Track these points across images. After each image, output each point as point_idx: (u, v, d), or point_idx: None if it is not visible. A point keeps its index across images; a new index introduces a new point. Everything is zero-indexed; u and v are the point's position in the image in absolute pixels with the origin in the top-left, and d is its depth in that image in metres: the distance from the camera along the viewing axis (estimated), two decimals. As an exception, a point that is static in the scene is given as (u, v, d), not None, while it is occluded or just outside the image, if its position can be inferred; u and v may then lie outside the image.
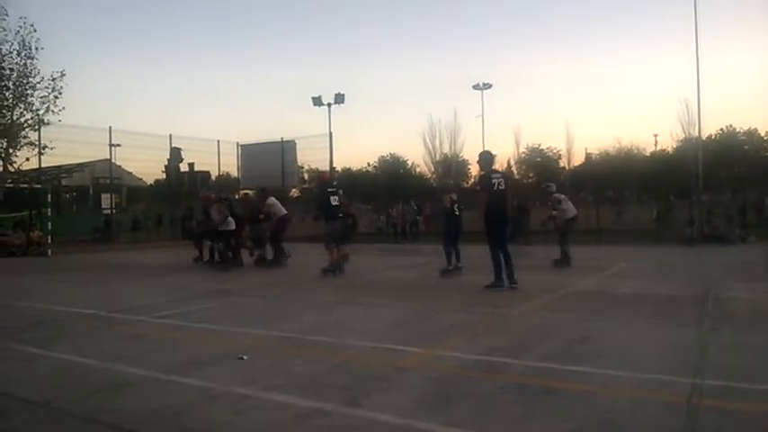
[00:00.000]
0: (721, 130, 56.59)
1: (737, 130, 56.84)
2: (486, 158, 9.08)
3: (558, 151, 68.69)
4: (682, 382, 4.04)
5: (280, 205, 13.37)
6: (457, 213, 10.79)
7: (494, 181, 8.68)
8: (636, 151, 64.30)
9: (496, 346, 5.20)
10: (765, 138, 54.90)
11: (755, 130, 54.77)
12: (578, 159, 63.54)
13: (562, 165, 68.42)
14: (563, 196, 11.81)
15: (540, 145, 70.01)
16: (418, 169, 68.47)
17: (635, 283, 9.27)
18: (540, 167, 66.86)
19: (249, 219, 13.23)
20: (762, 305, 7.30)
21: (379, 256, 16.75)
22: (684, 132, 41.70)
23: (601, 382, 4.13)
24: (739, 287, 8.77)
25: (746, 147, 55.19)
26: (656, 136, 63.19)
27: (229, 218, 12.50)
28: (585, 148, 64.61)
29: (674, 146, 51.41)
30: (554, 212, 11.66)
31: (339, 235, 11.21)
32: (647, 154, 63.57)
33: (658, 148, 62.24)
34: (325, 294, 8.92)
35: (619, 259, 12.85)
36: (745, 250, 16.07)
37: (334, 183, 12.03)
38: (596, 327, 6.06)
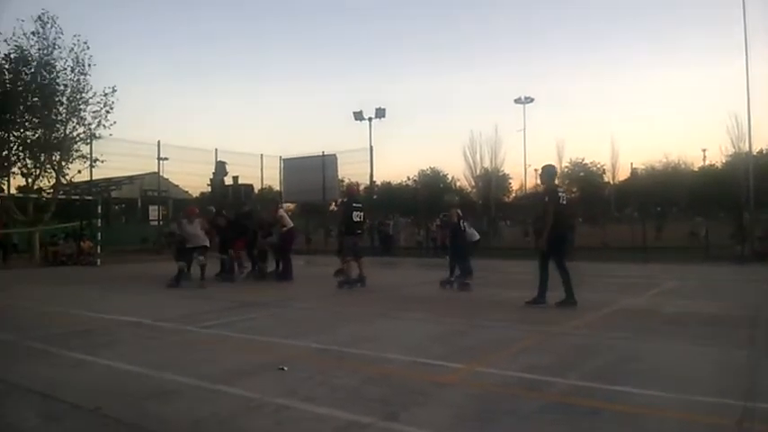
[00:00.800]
0: (773, 144, 54.65)
1: (790, 144, 54.76)
2: (550, 172, 8.91)
3: (603, 166, 67.43)
4: (732, 404, 3.89)
5: (288, 217, 13.73)
6: (463, 229, 11.01)
7: (559, 195, 8.49)
8: (683, 166, 62.65)
9: (538, 363, 5.11)
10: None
11: (810, 144, 52.63)
12: (623, 174, 62.26)
13: (606, 180, 67.14)
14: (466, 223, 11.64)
15: (583, 159, 68.85)
16: (458, 184, 68.15)
17: (682, 302, 8.99)
18: (584, 182, 65.71)
19: (261, 232, 13.35)
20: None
21: (417, 270, 16.72)
22: (734, 147, 40.49)
23: (647, 403, 4.01)
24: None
25: (801, 162, 53.14)
26: (704, 151, 61.50)
27: (202, 233, 12.35)
28: (631, 163, 63.35)
29: (724, 161, 49.95)
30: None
31: (358, 249, 11.49)
32: (696, 169, 61.88)
33: (707, 162, 60.53)
34: (362, 307, 8.94)
35: (666, 277, 12.50)
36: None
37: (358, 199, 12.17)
38: (642, 346, 5.89)
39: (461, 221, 10.97)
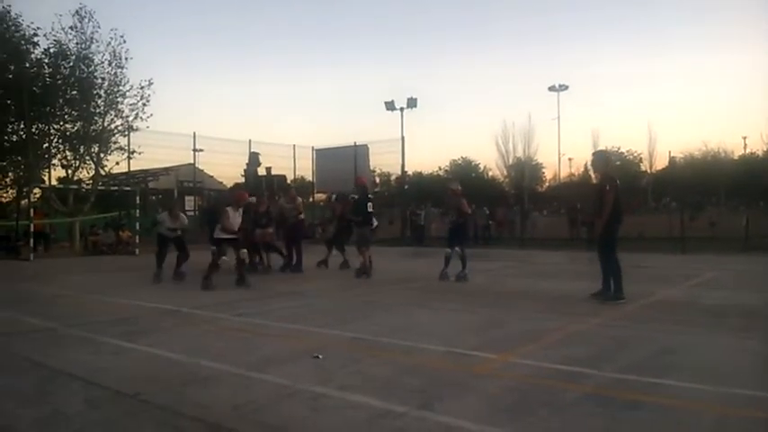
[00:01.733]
0: (819, 130, 52.79)
1: (836, 131, 52.85)
2: (603, 158, 8.59)
3: (640, 154, 66.13)
4: (773, 398, 3.80)
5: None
6: (453, 222, 10.89)
7: (617, 183, 8.07)
8: (723, 154, 60.99)
9: (574, 355, 5.06)
10: None
11: None
12: (661, 163, 60.90)
13: (644, 168, 65.77)
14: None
15: (619, 148, 67.50)
16: (490, 173, 67.69)
17: (722, 294, 8.77)
18: (620, 172, 64.44)
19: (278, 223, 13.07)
20: None
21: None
22: (776, 134, 39.15)
23: (686, 395, 3.94)
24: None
25: None
26: (744, 138, 59.74)
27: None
28: (669, 152, 61.93)
29: (765, 149, 48.42)
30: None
31: (370, 240, 11.64)
32: (736, 157, 60.17)
33: (747, 150, 58.80)
34: (395, 297, 8.96)
35: (705, 268, 12.21)
36: None
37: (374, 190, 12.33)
38: (680, 338, 5.78)
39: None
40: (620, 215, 8.09)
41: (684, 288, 9.53)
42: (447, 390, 4.10)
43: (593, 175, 9.07)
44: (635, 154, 67.18)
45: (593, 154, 8.86)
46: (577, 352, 5.17)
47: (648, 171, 63.50)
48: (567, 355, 5.07)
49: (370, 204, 11.58)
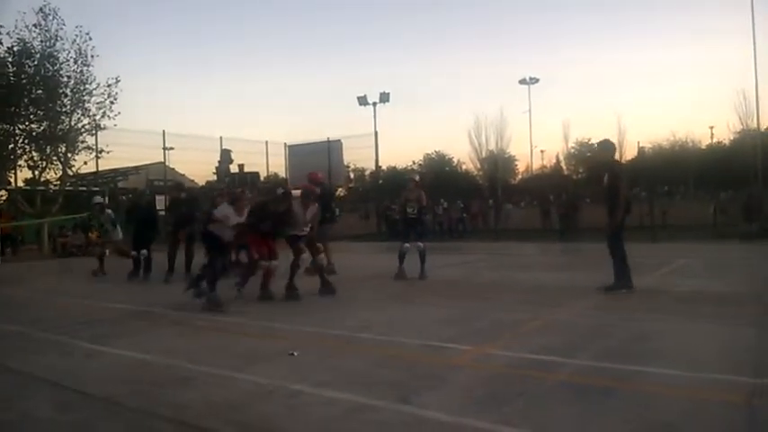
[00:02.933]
0: (782, 120, 54.15)
1: (800, 119, 54.29)
2: (609, 147, 8.42)
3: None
4: (742, 381, 3.90)
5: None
6: (413, 215, 10.27)
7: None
8: (691, 144, 62.19)
9: (549, 344, 5.11)
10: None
11: (820, 119, 52.17)
12: (630, 153, 61.88)
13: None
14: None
15: (590, 140, 68.27)
16: (464, 167, 68.08)
17: (693, 281, 8.96)
18: (591, 162, 65.37)
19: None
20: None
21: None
22: (742, 124, 40.16)
23: (658, 381, 4.02)
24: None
25: (810, 137, 52.65)
26: (711, 128, 60.96)
27: None
28: (638, 142, 62.76)
29: (732, 138, 49.56)
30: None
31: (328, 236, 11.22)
32: (703, 147, 61.43)
33: (715, 140, 60.07)
34: (371, 292, 8.95)
35: (675, 256, 12.45)
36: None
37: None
38: (653, 326, 5.89)
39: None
40: (630, 205, 8.08)
41: (657, 276, 9.69)
42: (424, 382, 4.11)
43: (595, 164, 8.90)
44: (605, 145, 68.09)
45: (599, 143, 8.68)
46: (552, 341, 5.23)
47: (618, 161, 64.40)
48: (543, 344, 5.12)
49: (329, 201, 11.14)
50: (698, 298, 7.41)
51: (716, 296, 7.50)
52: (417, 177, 11.06)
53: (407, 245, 10.18)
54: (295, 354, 4.96)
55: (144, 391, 4.11)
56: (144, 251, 11.22)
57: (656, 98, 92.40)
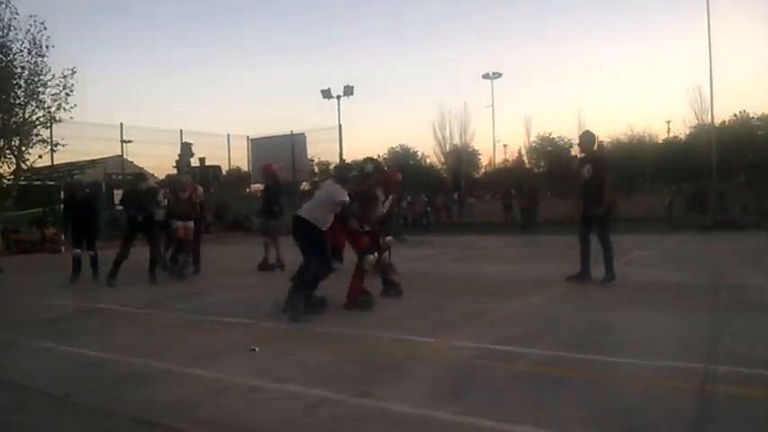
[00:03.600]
0: (735, 115, 55.85)
1: (751, 115, 56.07)
2: (591, 138, 8.50)
3: (570, 140, 68.12)
4: (695, 368, 4.02)
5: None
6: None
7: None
8: (648, 138, 63.67)
9: (510, 335, 5.19)
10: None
11: (769, 115, 53.94)
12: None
13: (573, 153, 67.96)
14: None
15: (551, 134, 69.40)
16: (428, 160, 68.32)
17: (649, 272, 9.19)
18: (552, 156, 66.39)
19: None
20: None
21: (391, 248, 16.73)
22: (698, 119, 41.32)
23: (614, 370, 4.12)
24: (754, 274, 8.67)
25: (760, 132, 54.46)
26: (668, 123, 62.49)
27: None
28: (597, 136, 63.91)
29: (688, 132, 50.92)
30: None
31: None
32: (660, 141, 62.97)
33: (671, 135, 61.60)
34: (335, 286, 8.90)
35: (633, 248, 12.75)
36: (760, 236, 15.89)
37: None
38: (610, 316, 6.04)
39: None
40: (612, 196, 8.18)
41: (614, 267, 9.89)
42: (385, 375, 4.12)
43: (579, 155, 8.73)
44: (565, 139, 69.19)
45: (582, 135, 8.79)
46: (514, 332, 5.31)
47: (578, 155, 65.58)
48: (504, 335, 5.19)
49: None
50: (654, 288, 7.61)
51: (671, 286, 7.71)
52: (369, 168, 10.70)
53: (390, 237, 9.51)
54: (256, 349, 4.92)
55: (102, 390, 4.02)
56: (91, 252, 10.34)
57: (616, 93, 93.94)
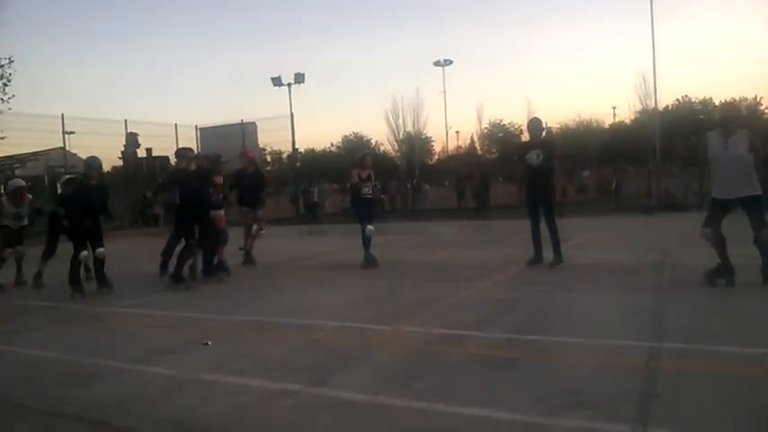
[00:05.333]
0: (677, 100, 57.75)
1: (693, 100, 58.09)
2: (539, 125, 8.56)
3: (520, 126, 69.19)
4: (641, 346, 4.17)
5: None
6: (369, 196, 9.58)
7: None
8: (595, 124, 65.22)
9: (463, 320, 5.27)
10: (720, 107, 56.17)
11: (710, 99, 55.95)
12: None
13: (524, 140, 69.01)
14: None
15: (501, 120, 70.34)
16: (382, 148, 68.29)
17: (595, 254, 9.47)
18: (503, 143, 67.33)
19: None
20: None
21: (344, 236, 16.73)
22: (642, 104, 42.45)
23: (563, 350, 4.25)
24: (695, 252, 9.02)
25: (702, 117, 56.52)
26: (614, 108, 64.11)
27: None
28: (546, 122, 65.08)
29: (632, 117, 52.35)
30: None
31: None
32: (606, 126, 64.60)
33: (617, 120, 63.26)
34: (288, 276, 8.88)
35: (579, 231, 13.08)
36: (702, 217, 16.55)
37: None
38: (559, 297, 6.21)
39: (365, 185, 9.55)
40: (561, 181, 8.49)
41: (562, 250, 10.14)
42: (341, 364, 4.13)
43: (528, 139, 8.73)
44: (516, 126, 70.26)
45: (530, 121, 8.84)
46: (466, 316, 5.40)
47: (526, 142, 66.61)
48: (457, 320, 5.28)
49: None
50: (601, 269, 7.86)
51: (617, 267, 7.97)
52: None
53: (371, 227, 9.36)
54: (209, 343, 4.84)
55: (47, 391, 3.90)
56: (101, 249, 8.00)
57: (564, 80, 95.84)
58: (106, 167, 32.58)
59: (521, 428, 2.92)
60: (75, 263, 7.79)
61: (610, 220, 16.73)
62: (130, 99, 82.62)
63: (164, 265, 8.97)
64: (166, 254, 8.99)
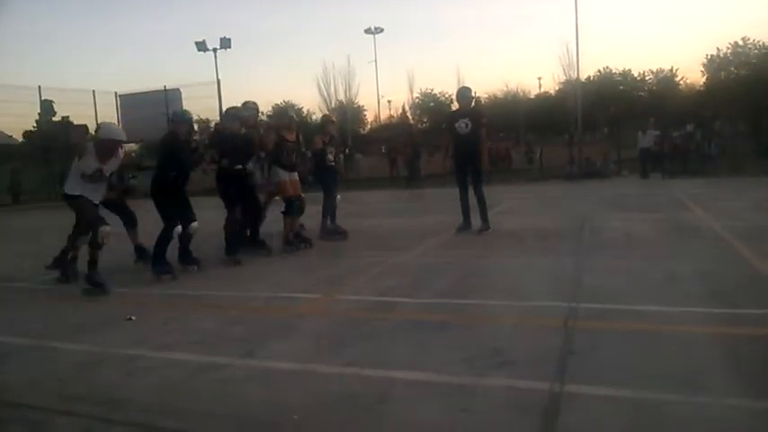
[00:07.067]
0: (599, 71, 59.75)
1: (613, 71, 60.27)
2: (467, 95, 8.70)
3: (450, 95, 69.87)
4: (560, 306, 4.36)
5: None
6: (332, 163, 9.19)
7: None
8: (522, 94, 66.67)
9: (393, 286, 5.35)
10: (638, 78, 58.49)
11: (629, 71, 58.19)
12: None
13: (453, 108, 69.78)
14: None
15: (432, 90, 70.80)
16: (314, 117, 67.44)
17: (520, 220, 9.78)
18: (434, 112, 67.88)
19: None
20: (633, 233, 7.94)
21: (274, 207, 16.52)
22: (565, 75, 43.67)
23: (488, 312, 4.39)
24: (613, 217, 9.51)
25: (622, 87, 58.74)
26: (539, 79, 65.70)
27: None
28: (474, 92, 65.97)
29: (557, 88, 53.81)
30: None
31: None
32: (532, 97, 66.18)
33: (542, 90, 64.86)
34: (218, 249, 8.67)
35: (505, 197, 13.44)
36: (620, 183, 17.42)
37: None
38: (486, 262, 6.40)
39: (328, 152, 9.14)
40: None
41: (489, 216, 10.41)
42: (271, 335, 4.11)
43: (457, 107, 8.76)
44: (446, 95, 70.87)
45: (459, 90, 8.92)
46: (396, 283, 5.48)
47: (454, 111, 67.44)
48: (388, 286, 5.35)
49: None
50: (525, 234, 8.14)
51: (540, 232, 8.27)
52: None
53: (339, 197, 9.18)
54: (133, 318, 4.69)
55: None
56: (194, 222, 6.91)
57: (493, 50, 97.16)
58: (18, 137, 30.72)
59: (448, 389, 3.00)
60: (167, 237, 6.40)
61: (534, 188, 17.27)
62: (45, 65, 77.63)
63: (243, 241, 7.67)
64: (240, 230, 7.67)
